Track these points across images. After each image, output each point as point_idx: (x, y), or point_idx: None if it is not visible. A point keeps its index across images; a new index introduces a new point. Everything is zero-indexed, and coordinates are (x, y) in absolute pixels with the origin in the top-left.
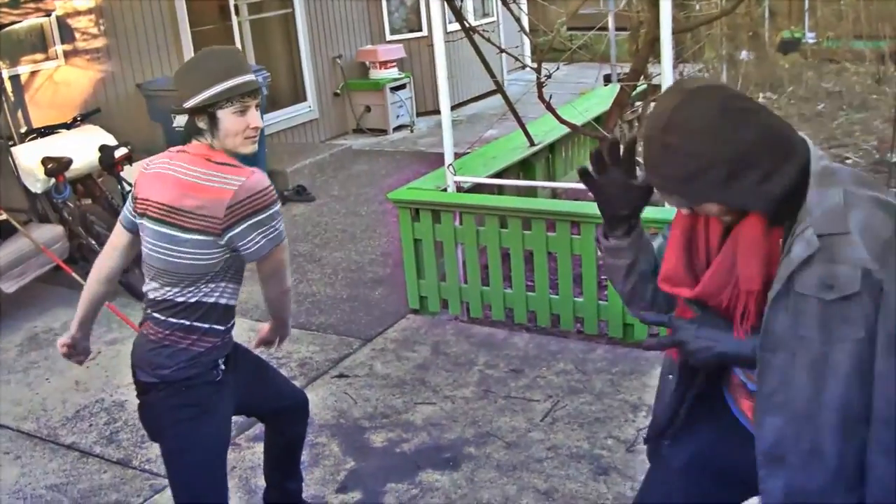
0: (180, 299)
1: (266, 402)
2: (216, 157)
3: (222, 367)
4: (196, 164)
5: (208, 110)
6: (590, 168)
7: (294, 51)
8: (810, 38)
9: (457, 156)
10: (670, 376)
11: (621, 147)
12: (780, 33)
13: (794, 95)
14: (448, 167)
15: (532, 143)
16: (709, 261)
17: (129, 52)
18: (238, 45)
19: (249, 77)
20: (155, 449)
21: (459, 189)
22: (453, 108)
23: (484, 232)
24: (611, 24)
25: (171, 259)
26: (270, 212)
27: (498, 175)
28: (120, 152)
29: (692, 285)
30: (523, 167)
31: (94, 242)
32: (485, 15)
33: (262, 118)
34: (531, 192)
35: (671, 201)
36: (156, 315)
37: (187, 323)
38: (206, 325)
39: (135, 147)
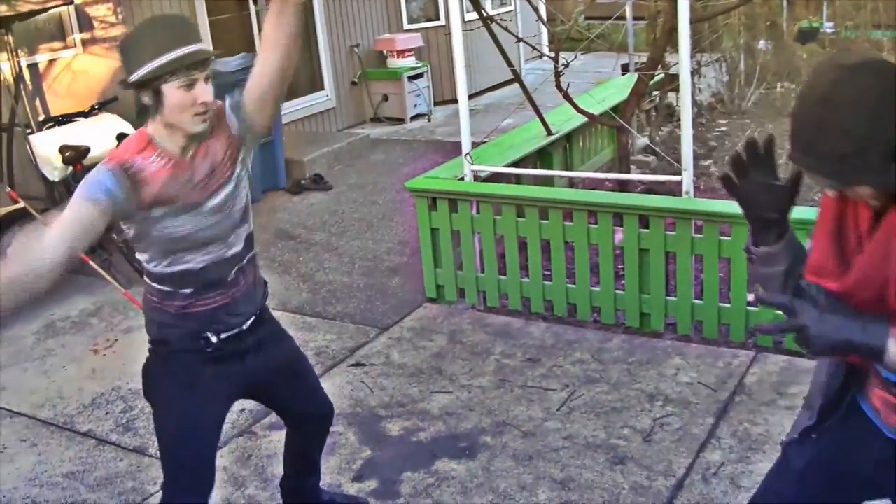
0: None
1: (290, 402)
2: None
3: (213, 339)
4: (140, 133)
5: (153, 85)
6: (730, 174)
7: (312, 39)
8: (828, 27)
9: (474, 145)
10: (834, 380)
11: (760, 146)
12: (798, 23)
13: None
14: (465, 156)
15: (549, 133)
16: (860, 246)
17: None
18: (256, 32)
19: (196, 47)
20: None
21: (477, 178)
22: (471, 97)
23: (501, 221)
24: (628, 14)
25: None
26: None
27: (515, 164)
28: None
29: (841, 275)
30: (540, 156)
31: (111, 231)
32: (502, 4)
33: (210, 93)
34: (548, 182)
35: (822, 183)
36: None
37: (149, 282)
38: (164, 288)
39: None
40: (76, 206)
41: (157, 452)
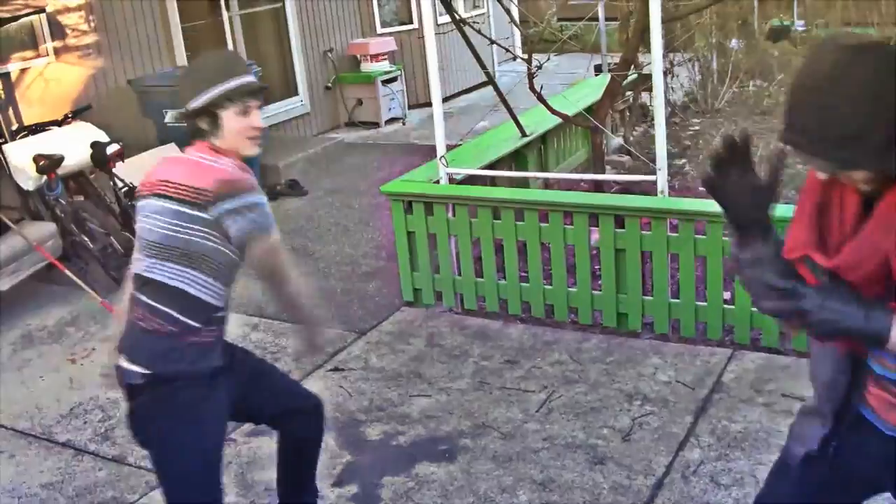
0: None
1: (270, 403)
2: (219, 149)
3: (212, 367)
4: (199, 150)
5: (210, 111)
6: (711, 174)
7: (285, 45)
8: (799, 25)
9: (449, 148)
10: (841, 377)
11: (738, 143)
12: (770, 21)
13: (784, 83)
14: (440, 159)
15: (524, 134)
16: (843, 234)
17: (121, 48)
18: (229, 39)
19: (250, 78)
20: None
21: (452, 181)
22: (445, 100)
23: (477, 223)
24: (601, 15)
25: (160, 231)
26: (254, 197)
27: (490, 166)
28: (112, 149)
29: (824, 255)
30: (515, 158)
31: (86, 240)
32: (475, 6)
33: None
34: (524, 183)
35: (815, 165)
36: (141, 297)
37: (169, 311)
38: (179, 316)
39: (127, 143)
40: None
41: (137, 461)
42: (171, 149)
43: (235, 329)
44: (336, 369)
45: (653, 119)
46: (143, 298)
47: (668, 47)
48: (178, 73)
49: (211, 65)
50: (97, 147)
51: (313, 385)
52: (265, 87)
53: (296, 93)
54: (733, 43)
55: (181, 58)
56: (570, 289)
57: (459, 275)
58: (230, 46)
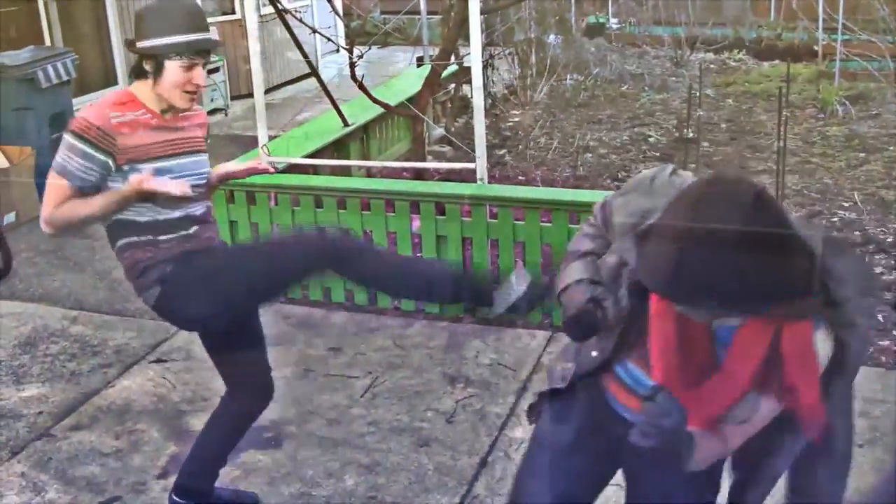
0: None
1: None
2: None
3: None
4: (117, 94)
5: (157, 57)
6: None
7: (104, 33)
8: (614, 23)
9: (271, 138)
10: (594, 353)
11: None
12: (587, 18)
13: (599, 78)
14: (262, 148)
15: (346, 124)
16: (707, 359)
17: None
18: (45, 26)
19: (207, 35)
20: None
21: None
22: (268, 91)
23: (299, 212)
24: (422, 7)
25: None
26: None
27: (312, 156)
28: None
29: (691, 384)
30: (338, 148)
31: None
32: None
33: (205, 78)
34: (346, 172)
35: (701, 316)
36: None
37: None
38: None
39: None
40: None
41: None
42: None
43: (53, 323)
44: (159, 360)
45: (473, 110)
46: None
47: (488, 41)
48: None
49: (175, 13)
50: None
51: (136, 378)
52: (218, 44)
53: (115, 83)
54: (551, 38)
55: None
56: None
57: None
58: (46, 34)
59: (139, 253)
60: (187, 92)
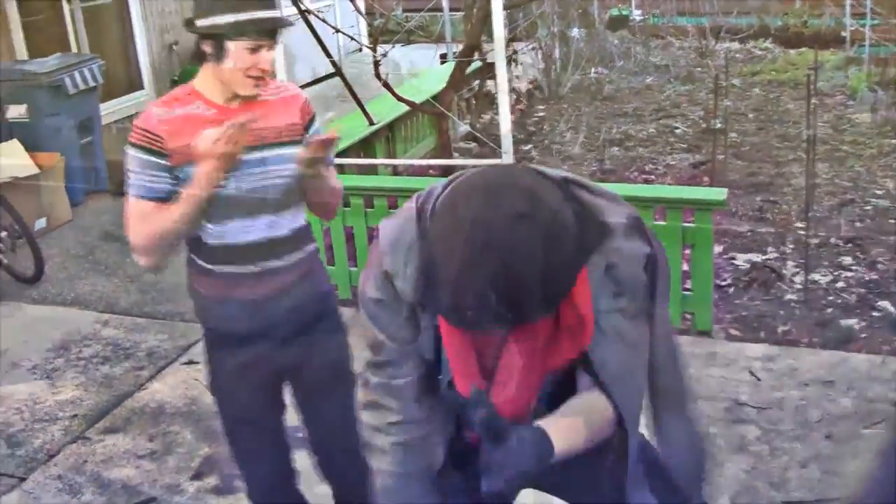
0: None
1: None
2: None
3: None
4: (180, 91)
5: (218, 37)
6: None
7: (129, 38)
8: (637, 15)
9: None
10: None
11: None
12: (609, 11)
13: (623, 70)
14: None
15: (371, 123)
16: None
17: None
18: (70, 32)
19: (273, 13)
20: (0, 449)
21: None
22: None
23: None
24: (445, 3)
25: None
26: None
27: (338, 155)
28: None
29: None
30: (364, 147)
31: None
32: None
33: (272, 62)
34: (372, 171)
35: (494, 327)
36: None
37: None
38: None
39: None
40: None
41: None
42: (13, 146)
43: (86, 327)
44: (191, 362)
45: (498, 105)
46: None
47: (512, 36)
48: (18, 67)
49: None
50: None
51: (168, 379)
52: (288, 24)
53: (141, 87)
54: (574, 31)
55: (21, 52)
56: None
57: None
58: (72, 40)
59: (192, 280)
60: (251, 77)
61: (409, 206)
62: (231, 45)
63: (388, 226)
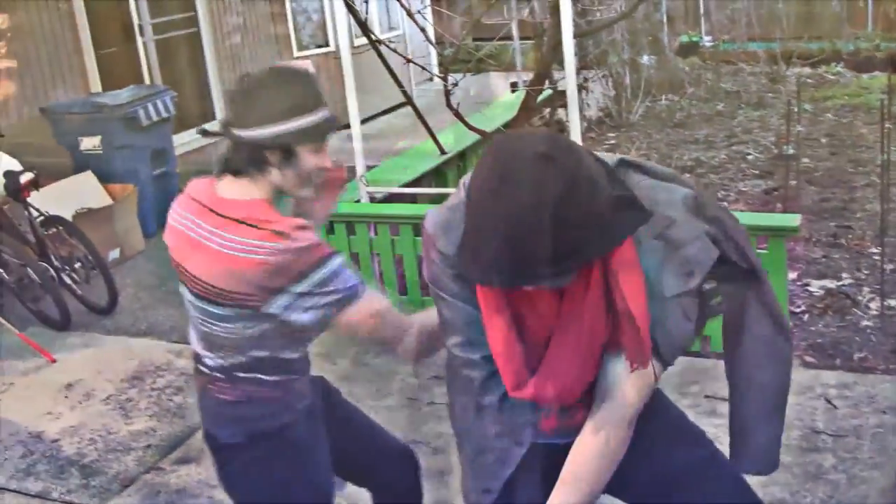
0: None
1: (361, 455)
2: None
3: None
4: (251, 210)
5: (287, 145)
6: None
7: (201, 71)
8: (707, 41)
9: (368, 168)
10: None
11: None
12: (679, 37)
13: (694, 96)
14: (360, 179)
15: (443, 152)
16: (548, 333)
17: (32, 75)
18: (143, 66)
19: (329, 112)
20: (75, 479)
21: (373, 200)
22: (363, 121)
23: (399, 241)
24: (515, 32)
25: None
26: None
27: (410, 185)
28: (25, 177)
29: (530, 357)
30: (436, 176)
31: (1, 271)
32: (391, 28)
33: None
34: (444, 200)
35: (505, 284)
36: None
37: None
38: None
39: (41, 172)
40: None
41: (62, 496)
42: (87, 177)
43: (159, 357)
44: None
45: (569, 134)
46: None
47: (582, 64)
48: (92, 100)
49: (297, 88)
50: (10, 176)
51: None
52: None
53: (213, 118)
54: (644, 59)
55: (95, 84)
56: None
57: (383, 293)
58: (145, 73)
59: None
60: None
61: (457, 193)
62: (302, 151)
63: (434, 212)
